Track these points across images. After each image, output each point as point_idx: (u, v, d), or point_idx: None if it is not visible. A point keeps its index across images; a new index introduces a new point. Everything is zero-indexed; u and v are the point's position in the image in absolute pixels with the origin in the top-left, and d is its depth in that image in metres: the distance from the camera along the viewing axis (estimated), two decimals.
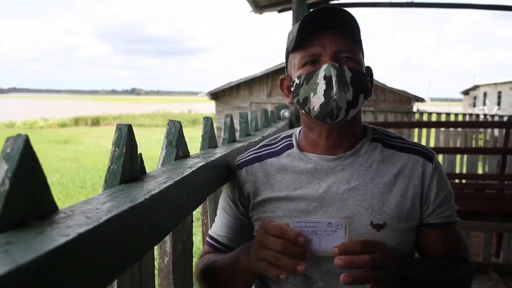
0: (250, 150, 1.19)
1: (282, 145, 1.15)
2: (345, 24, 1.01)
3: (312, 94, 1.00)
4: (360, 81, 1.01)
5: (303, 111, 1.07)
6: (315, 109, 1.00)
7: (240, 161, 1.16)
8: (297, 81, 1.04)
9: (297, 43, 1.02)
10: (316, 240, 0.88)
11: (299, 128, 1.18)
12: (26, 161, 0.47)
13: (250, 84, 17.46)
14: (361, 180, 1.04)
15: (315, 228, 0.88)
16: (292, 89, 1.07)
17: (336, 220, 0.88)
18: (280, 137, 1.18)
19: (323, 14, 1.00)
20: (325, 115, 0.99)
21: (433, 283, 1.00)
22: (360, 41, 1.05)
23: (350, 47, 1.02)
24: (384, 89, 16.71)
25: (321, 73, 0.98)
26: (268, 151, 1.15)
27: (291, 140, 1.14)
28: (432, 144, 6.10)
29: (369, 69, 1.09)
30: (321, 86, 0.98)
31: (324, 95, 0.98)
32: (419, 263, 1.05)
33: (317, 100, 0.99)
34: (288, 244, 0.86)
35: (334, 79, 0.97)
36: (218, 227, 1.18)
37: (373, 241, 0.88)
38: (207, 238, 1.21)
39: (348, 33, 1.02)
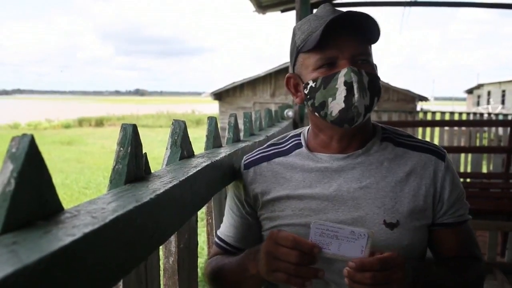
0: (258, 149, 1.17)
1: (290, 145, 1.13)
2: (368, 26, 0.97)
3: (330, 99, 0.97)
4: (376, 84, 0.99)
5: (317, 114, 1.03)
6: (333, 114, 0.98)
7: (248, 160, 1.14)
8: (312, 84, 1.00)
9: (313, 45, 0.97)
10: (336, 244, 0.85)
11: (307, 128, 1.15)
12: (32, 161, 0.47)
13: (253, 84, 17.44)
14: (373, 178, 1.02)
15: (337, 233, 0.85)
16: (306, 91, 1.03)
17: (360, 230, 0.85)
18: (288, 136, 1.16)
19: (347, 18, 0.95)
20: (344, 121, 0.97)
21: (447, 286, 0.99)
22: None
23: (366, 49, 0.99)
24: (387, 88, 16.66)
25: (341, 78, 0.95)
26: (276, 150, 1.13)
27: (300, 140, 1.12)
28: (436, 143, 6.08)
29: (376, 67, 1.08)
30: (341, 91, 0.96)
31: (344, 101, 0.95)
32: (435, 266, 1.03)
33: (336, 106, 0.97)
34: (303, 256, 0.84)
35: (355, 86, 0.94)
36: (226, 228, 1.17)
37: (391, 258, 0.84)
38: (215, 239, 1.20)
39: (363, 35, 0.98)
